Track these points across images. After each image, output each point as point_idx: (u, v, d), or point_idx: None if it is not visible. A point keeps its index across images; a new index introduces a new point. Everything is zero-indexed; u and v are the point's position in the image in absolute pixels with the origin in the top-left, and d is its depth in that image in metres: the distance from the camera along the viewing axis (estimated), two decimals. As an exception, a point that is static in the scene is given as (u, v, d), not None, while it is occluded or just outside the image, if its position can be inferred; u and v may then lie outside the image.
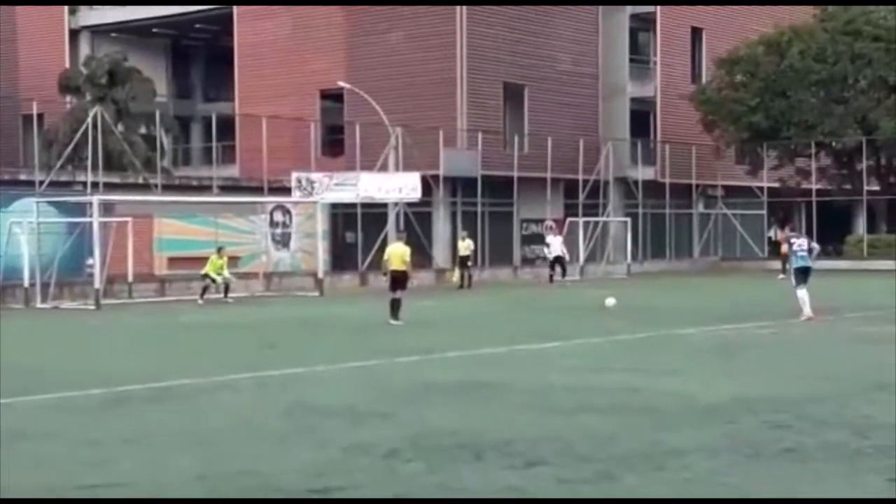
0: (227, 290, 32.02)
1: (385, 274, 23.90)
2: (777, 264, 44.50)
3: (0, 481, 8.71)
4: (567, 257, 41.61)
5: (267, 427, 11.13)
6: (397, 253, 23.65)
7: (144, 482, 8.75)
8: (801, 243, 23.46)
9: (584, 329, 22.07)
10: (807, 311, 22.77)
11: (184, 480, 8.76)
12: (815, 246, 23.95)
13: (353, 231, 43.24)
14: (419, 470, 9.07)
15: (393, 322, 22.75)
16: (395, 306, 23.01)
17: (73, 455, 9.91)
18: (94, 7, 56.73)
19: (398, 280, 23.30)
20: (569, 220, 46.16)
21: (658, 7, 53.91)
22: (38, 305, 30.76)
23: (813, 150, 52.41)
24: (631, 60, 54.42)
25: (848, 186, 53.93)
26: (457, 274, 39.18)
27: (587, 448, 9.77)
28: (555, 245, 41.43)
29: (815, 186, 52.90)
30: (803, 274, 23.12)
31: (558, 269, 40.93)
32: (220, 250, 32.72)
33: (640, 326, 21.99)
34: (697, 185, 54.86)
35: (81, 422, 11.68)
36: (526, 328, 22.21)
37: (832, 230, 53.85)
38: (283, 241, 41.34)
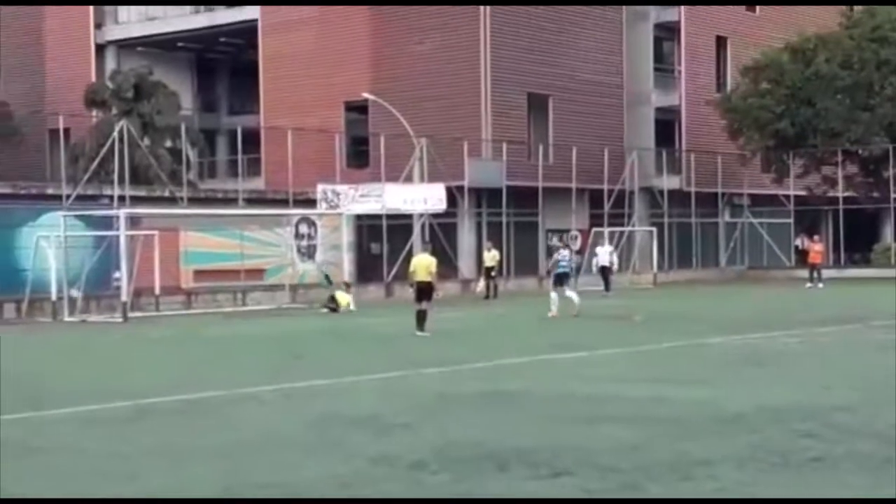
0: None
1: (411, 285, 23.92)
2: (804, 273, 44.25)
3: (26, 494, 8.75)
4: (615, 267, 40.88)
5: (293, 438, 11.15)
6: (423, 264, 23.67)
7: (170, 495, 8.77)
8: (565, 254, 28.41)
9: (610, 339, 22.00)
10: (554, 310, 26.93)
11: (209, 492, 8.78)
12: (577, 258, 29.17)
13: (379, 242, 43.26)
14: (444, 481, 9.06)
15: (419, 333, 22.75)
16: (420, 317, 23.02)
17: (99, 468, 9.94)
18: (120, 22, 57.06)
19: (424, 291, 23.30)
20: (594, 230, 46.05)
21: (682, 16, 53.78)
22: (66, 319, 30.88)
23: (839, 158, 52.13)
24: (655, 69, 54.33)
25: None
26: (482, 284, 39.11)
27: (612, 458, 9.74)
28: (602, 255, 40.68)
29: (841, 194, 52.61)
30: (561, 278, 27.75)
31: (610, 277, 39.72)
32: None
33: (666, 336, 21.92)
34: (723, 194, 54.61)
35: (107, 435, 11.71)
36: (551, 339, 22.13)
37: (859, 238, 53.57)
38: (309, 253, 41.40)
